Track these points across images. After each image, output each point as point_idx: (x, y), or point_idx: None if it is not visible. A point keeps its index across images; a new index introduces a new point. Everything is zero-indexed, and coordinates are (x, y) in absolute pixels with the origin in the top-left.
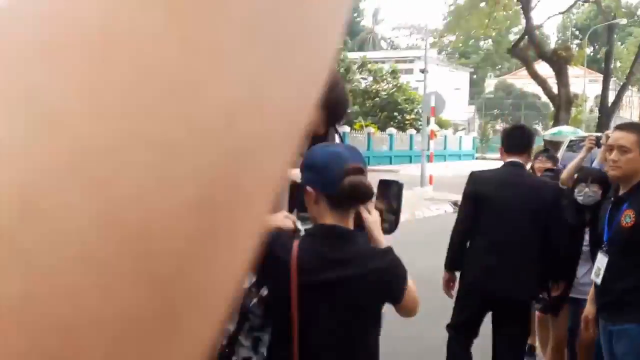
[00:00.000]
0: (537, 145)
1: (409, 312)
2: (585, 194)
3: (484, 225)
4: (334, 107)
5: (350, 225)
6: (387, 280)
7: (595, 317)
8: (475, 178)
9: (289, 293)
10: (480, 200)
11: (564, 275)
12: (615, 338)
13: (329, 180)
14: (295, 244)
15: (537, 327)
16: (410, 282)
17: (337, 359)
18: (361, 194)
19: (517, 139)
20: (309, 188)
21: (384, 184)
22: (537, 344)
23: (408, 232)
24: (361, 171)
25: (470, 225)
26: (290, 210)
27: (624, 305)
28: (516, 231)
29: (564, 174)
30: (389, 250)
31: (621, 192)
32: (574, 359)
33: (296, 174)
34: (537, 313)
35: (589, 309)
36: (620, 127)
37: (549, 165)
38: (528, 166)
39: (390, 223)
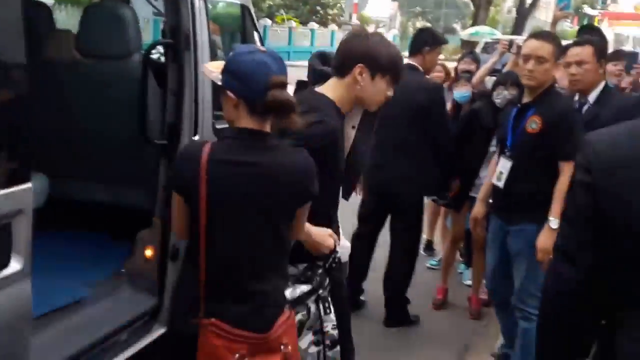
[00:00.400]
0: (457, 44)
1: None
2: (503, 96)
3: (376, 125)
4: None
5: (267, 128)
6: (299, 178)
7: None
8: None
9: (198, 202)
10: None
11: (457, 172)
12: (512, 237)
13: (253, 90)
14: (206, 151)
15: (441, 223)
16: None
17: (249, 262)
18: (284, 110)
19: (413, 42)
20: (230, 93)
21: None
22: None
23: None
24: (285, 85)
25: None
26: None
27: (524, 208)
28: (398, 132)
29: (475, 77)
30: (300, 150)
31: (526, 99)
32: (469, 255)
33: (216, 76)
34: (441, 209)
35: (478, 209)
36: (536, 36)
37: (472, 67)
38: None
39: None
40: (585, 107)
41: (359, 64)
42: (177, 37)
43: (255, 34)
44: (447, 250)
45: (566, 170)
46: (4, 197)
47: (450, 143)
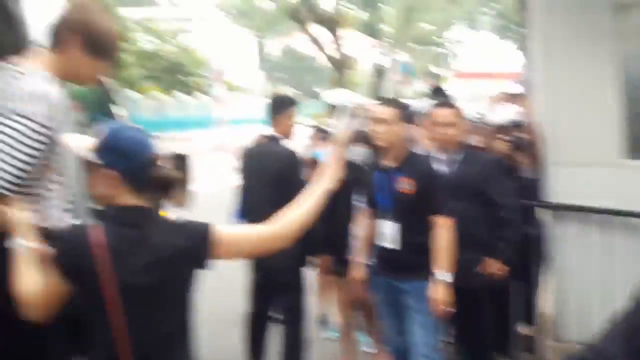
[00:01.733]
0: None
1: (263, 244)
2: (359, 152)
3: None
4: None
5: (149, 204)
6: (188, 252)
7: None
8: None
9: (99, 279)
10: (242, 172)
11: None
12: (409, 294)
13: (136, 168)
14: (98, 232)
15: (321, 291)
16: (221, 231)
17: (156, 335)
18: (169, 185)
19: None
20: (110, 171)
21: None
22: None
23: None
24: (166, 160)
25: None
26: None
27: (413, 265)
28: (263, 197)
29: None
30: (179, 223)
31: (392, 163)
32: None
33: (87, 153)
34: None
35: (360, 272)
36: (380, 102)
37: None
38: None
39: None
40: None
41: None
42: None
43: (117, 108)
44: (342, 319)
45: (441, 223)
46: None
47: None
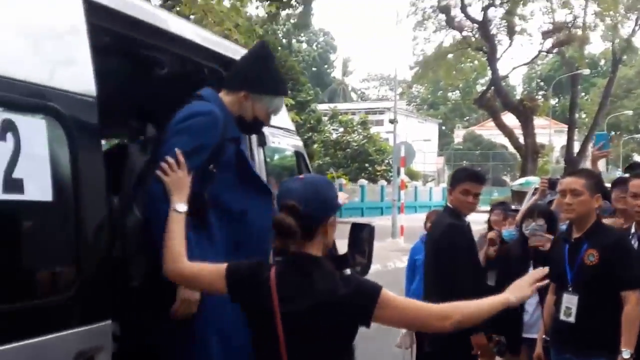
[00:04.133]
0: (506, 195)
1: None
2: (532, 227)
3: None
4: None
5: (315, 250)
6: (353, 304)
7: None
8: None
9: (273, 312)
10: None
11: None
12: None
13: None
14: (273, 270)
15: None
16: (389, 295)
17: None
18: (280, 229)
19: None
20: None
21: (357, 228)
22: None
23: (380, 282)
24: (288, 208)
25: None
26: None
27: (595, 341)
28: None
29: (518, 216)
30: (351, 276)
31: (577, 234)
32: None
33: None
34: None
35: (539, 350)
36: (570, 173)
37: (501, 218)
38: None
39: (362, 267)
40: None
41: None
42: None
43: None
44: None
45: (631, 299)
46: (86, 333)
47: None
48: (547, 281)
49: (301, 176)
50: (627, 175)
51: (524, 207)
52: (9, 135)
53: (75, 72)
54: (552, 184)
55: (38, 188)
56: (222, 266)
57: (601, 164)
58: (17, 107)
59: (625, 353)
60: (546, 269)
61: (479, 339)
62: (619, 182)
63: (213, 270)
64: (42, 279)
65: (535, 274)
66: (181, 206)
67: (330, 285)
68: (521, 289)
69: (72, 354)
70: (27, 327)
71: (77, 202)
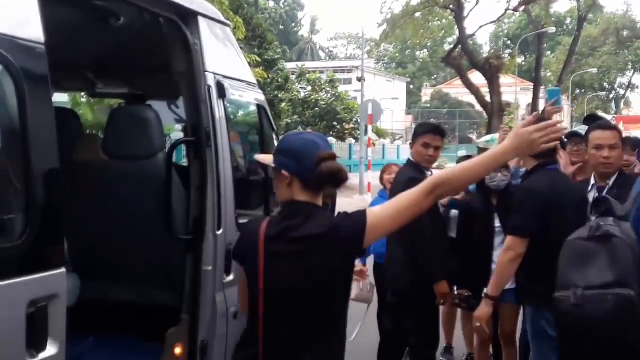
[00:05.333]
0: (473, 152)
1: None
2: (499, 179)
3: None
4: None
5: (319, 202)
6: (336, 237)
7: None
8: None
9: (257, 265)
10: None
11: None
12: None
13: (306, 166)
14: (265, 221)
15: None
16: (374, 212)
17: (303, 324)
18: (339, 178)
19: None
20: (284, 172)
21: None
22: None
23: None
24: (334, 157)
25: None
26: None
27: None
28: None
29: None
30: (334, 215)
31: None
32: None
33: (269, 160)
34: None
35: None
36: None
37: None
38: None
39: None
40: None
41: None
42: (199, 135)
43: (273, 134)
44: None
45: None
46: (39, 280)
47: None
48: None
49: (309, 130)
50: (580, 128)
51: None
52: None
53: (21, 18)
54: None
55: None
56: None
57: (566, 121)
58: None
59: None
60: (563, 127)
61: (441, 287)
62: (573, 135)
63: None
64: None
65: (547, 125)
66: None
67: (316, 224)
68: (528, 142)
69: (24, 302)
70: None
71: (26, 148)
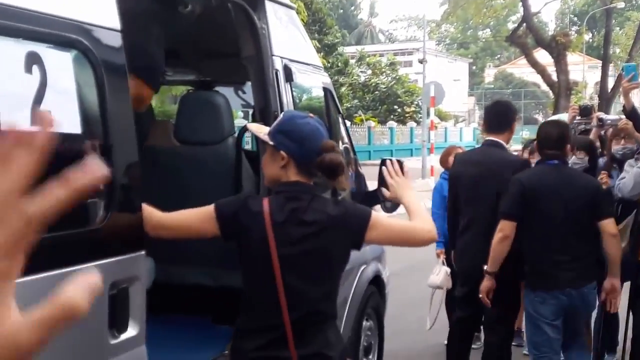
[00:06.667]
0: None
1: (406, 240)
2: (572, 161)
3: (460, 204)
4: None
5: (309, 180)
6: (346, 225)
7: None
8: (456, 159)
9: (266, 237)
10: (455, 180)
11: None
12: None
13: (308, 152)
14: (266, 201)
15: None
16: (379, 216)
17: (314, 299)
18: (337, 171)
19: (497, 118)
20: (283, 152)
21: (386, 164)
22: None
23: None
24: (336, 148)
25: (452, 204)
26: None
27: None
28: (486, 211)
29: None
30: (341, 201)
31: None
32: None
33: (264, 136)
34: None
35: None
36: None
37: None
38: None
39: (392, 202)
40: None
41: None
42: (267, 119)
43: (339, 117)
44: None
45: None
46: (121, 263)
47: None
48: None
49: (311, 115)
50: None
51: None
52: (35, 68)
53: (99, 6)
54: (583, 111)
55: (66, 120)
56: (210, 207)
57: (636, 98)
58: (42, 40)
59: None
60: None
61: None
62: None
63: (200, 212)
64: (74, 211)
65: None
66: None
67: (323, 208)
68: None
69: (107, 284)
70: (60, 257)
71: (106, 134)
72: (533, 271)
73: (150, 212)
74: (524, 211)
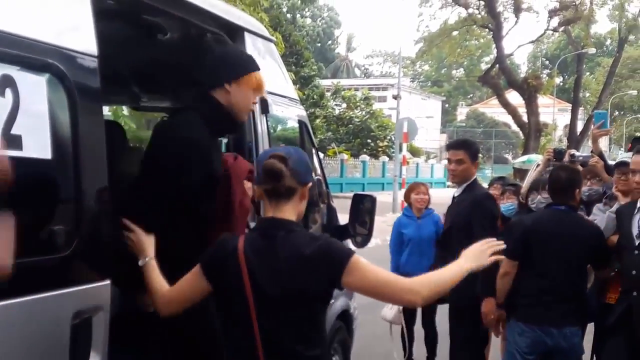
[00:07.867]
0: (508, 173)
1: (383, 295)
2: (538, 200)
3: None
4: None
5: (289, 214)
6: (320, 265)
7: None
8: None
9: (242, 281)
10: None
11: None
12: None
13: (258, 171)
14: (241, 240)
15: None
16: (360, 261)
17: (290, 341)
18: (269, 172)
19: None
20: (255, 187)
21: (358, 199)
22: None
23: (380, 257)
24: (279, 157)
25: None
26: None
27: None
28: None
29: (523, 189)
30: (319, 236)
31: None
32: None
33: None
34: None
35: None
36: (638, 152)
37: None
38: None
39: (363, 237)
40: None
41: None
42: (241, 150)
43: (313, 149)
44: None
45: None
46: (85, 292)
47: None
48: (502, 257)
49: (282, 146)
50: (627, 156)
51: (526, 182)
52: (8, 91)
53: (77, 31)
54: (557, 155)
55: (37, 145)
56: (196, 266)
57: (604, 143)
58: (16, 63)
59: None
60: (502, 244)
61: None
62: (619, 165)
63: (190, 275)
64: (39, 237)
65: (492, 242)
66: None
67: (298, 246)
68: (477, 257)
69: (70, 313)
70: (24, 284)
71: (77, 160)
72: (518, 303)
73: (156, 290)
74: (522, 251)
